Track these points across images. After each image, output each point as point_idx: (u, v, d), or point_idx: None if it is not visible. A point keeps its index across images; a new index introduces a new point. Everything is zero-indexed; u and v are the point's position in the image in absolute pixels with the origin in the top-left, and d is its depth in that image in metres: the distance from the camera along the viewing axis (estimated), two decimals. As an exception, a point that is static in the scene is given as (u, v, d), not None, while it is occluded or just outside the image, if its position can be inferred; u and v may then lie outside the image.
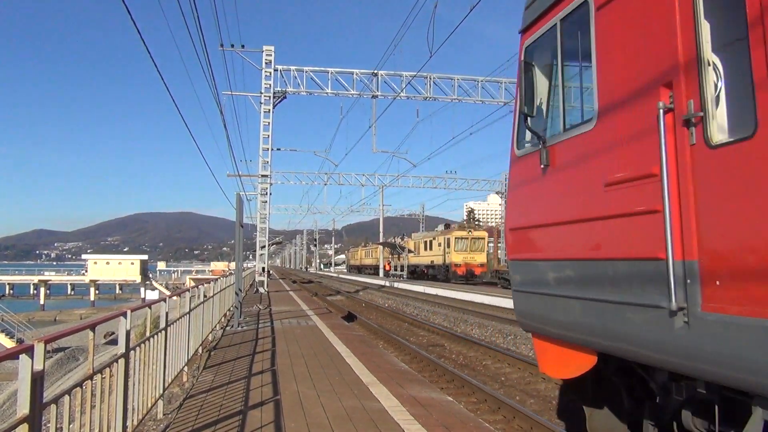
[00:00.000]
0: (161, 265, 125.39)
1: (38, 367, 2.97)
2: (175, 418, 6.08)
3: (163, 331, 6.45)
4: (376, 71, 28.84)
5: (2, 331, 34.98)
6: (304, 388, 7.28)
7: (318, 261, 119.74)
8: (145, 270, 73.99)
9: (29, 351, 2.92)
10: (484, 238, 44.07)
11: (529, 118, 4.62)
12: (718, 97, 3.06)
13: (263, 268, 31.36)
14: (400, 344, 14.11)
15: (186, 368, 8.35)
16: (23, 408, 2.88)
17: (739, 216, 2.76)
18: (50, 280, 74.00)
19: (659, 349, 3.22)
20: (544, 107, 4.77)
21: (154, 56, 8.75)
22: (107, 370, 4.40)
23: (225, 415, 6.00)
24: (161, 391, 6.35)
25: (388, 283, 43.42)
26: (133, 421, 5.09)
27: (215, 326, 12.90)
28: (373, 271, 65.79)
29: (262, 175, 29.36)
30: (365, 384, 7.58)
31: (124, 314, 4.79)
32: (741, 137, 2.76)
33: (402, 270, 48.66)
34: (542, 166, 4.41)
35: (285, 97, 29.05)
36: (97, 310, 60.50)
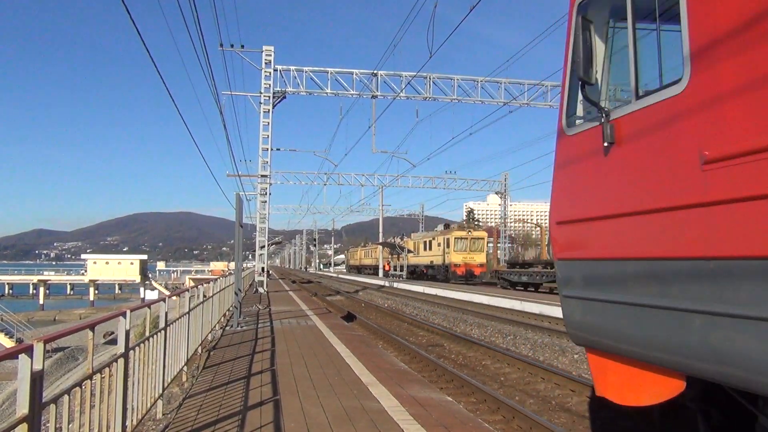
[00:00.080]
0: (161, 265, 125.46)
1: (37, 366, 2.96)
2: (175, 417, 6.08)
3: (163, 331, 6.45)
4: (375, 71, 28.85)
5: (2, 331, 34.99)
6: (304, 388, 7.28)
7: (317, 261, 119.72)
8: (145, 270, 74.02)
9: (29, 351, 2.92)
10: (483, 239, 44.08)
11: (587, 87, 3.78)
12: None
13: (263, 268, 31.35)
14: (399, 344, 14.11)
15: (185, 368, 8.35)
16: (22, 408, 2.88)
17: None
18: (50, 280, 74.02)
19: None
20: (603, 74, 3.95)
21: (153, 56, 8.76)
22: (107, 369, 4.40)
23: (224, 415, 5.99)
24: (161, 391, 6.35)
25: (387, 283, 43.41)
26: (132, 420, 5.09)
27: (215, 326, 12.90)
28: (373, 271, 65.79)
29: (262, 175, 29.36)
30: (365, 384, 7.58)
31: (124, 314, 4.79)
32: None
33: (401, 270, 48.66)
34: (605, 144, 3.62)
35: (285, 97, 29.07)
36: (97, 309, 60.47)
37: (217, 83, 22.58)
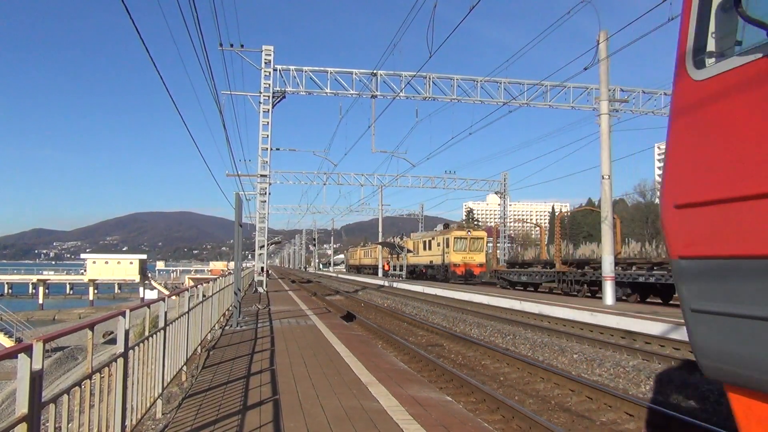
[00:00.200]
0: (160, 265, 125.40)
1: (37, 366, 2.96)
2: (174, 417, 6.08)
3: (162, 331, 6.45)
4: (375, 71, 28.84)
5: (1, 330, 34.97)
6: (303, 388, 7.28)
7: (317, 261, 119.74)
8: (144, 269, 73.97)
9: (28, 350, 2.92)
10: (483, 238, 44.08)
11: (743, 3, 2.47)
12: None
13: (262, 268, 31.35)
14: (399, 344, 14.11)
15: (185, 368, 8.35)
16: (22, 407, 2.88)
17: None
18: (49, 280, 73.98)
19: None
20: None
21: (153, 56, 8.75)
22: (106, 369, 4.40)
23: (224, 414, 6.00)
24: (160, 391, 6.35)
25: (387, 283, 43.41)
26: (132, 420, 5.09)
27: (214, 326, 12.90)
28: (372, 270, 65.79)
29: (261, 175, 29.35)
30: (364, 384, 7.59)
31: (123, 314, 4.79)
32: None
33: (401, 270, 48.67)
34: None
35: (284, 97, 29.06)
36: (96, 309, 60.48)
37: (216, 83, 22.58)
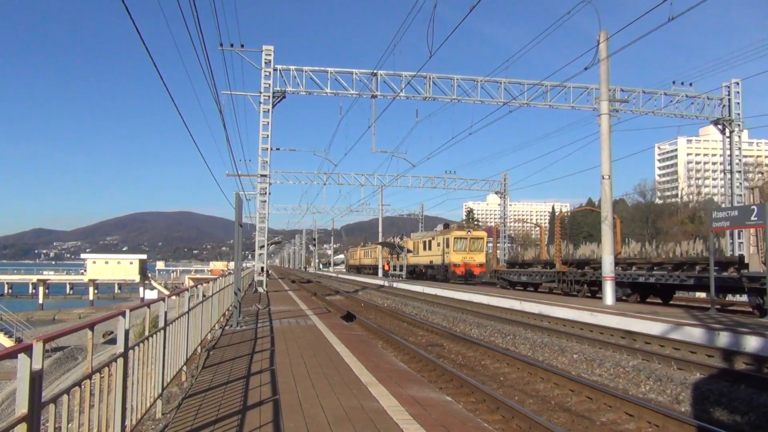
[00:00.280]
0: (160, 265, 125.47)
1: (37, 366, 2.97)
2: (174, 417, 6.08)
3: (162, 331, 6.45)
4: (375, 71, 28.84)
5: (1, 330, 34.97)
6: (303, 388, 7.28)
7: (317, 261, 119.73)
8: (144, 269, 73.99)
9: (28, 350, 2.92)
10: (483, 238, 44.06)
11: None
12: None
13: (262, 268, 31.35)
14: (399, 344, 14.11)
15: (185, 368, 8.35)
16: (22, 407, 2.88)
17: None
18: (49, 280, 74.03)
19: None
20: None
21: (153, 56, 8.75)
22: (106, 369, 4.40)
23: (224, 414, 6.00)
24: (160, 391, 6.35)
25: (387, 283, 43.41)
26: (131, 420, 5.09)
27: (214, 326, 12.90)
28: (372, 271, 65.78)
29: (261, 175, 29.35)
30: (364, 384, 7.59)
31: (123, 314, 4.79)
32: None
33: (401, 270, 48.66)
34: None
35: (284, 97, 29.05)
36: (96, 309, 60.51)
37: (216, 83, 22.57)
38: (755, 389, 9.06)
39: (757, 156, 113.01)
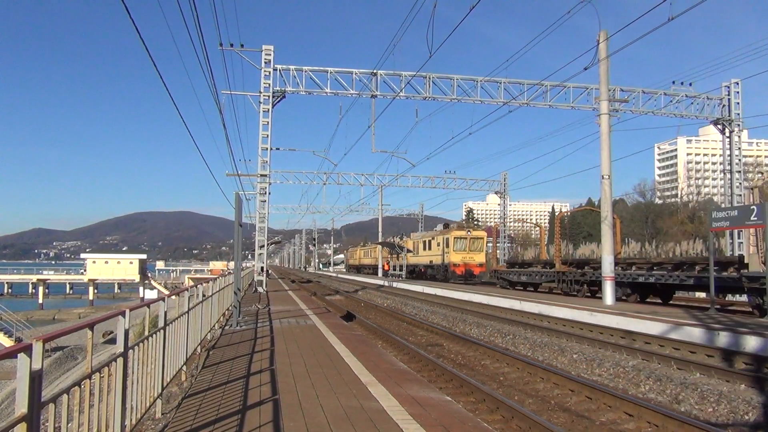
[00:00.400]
0: (160, 265, 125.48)
1: (37, 366, 2.97)
2: (174, 417, 6.08)
3: (162, 331, 6.45)
4: (375, 71, 28.82)
5: (1, 330, 34.98)
6: (303, 388, 7.28)
7: (317, 261, 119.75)
8: (144, 269, 73.95)
9: (28, 350, 2.92)
10: (483, 238, 44.06)
11: None
12: None
13: (262, 268, 31.34)
14: (398, 344, 14.11)
15: (185, 367, 8.35)
16: (21, 407, 2.88)
17: None
18: (49, 279, 74.02)
19: None
20: None
21: (153, 55, 8.75)
22: (106, 369, 4.40)
23: (223, 414, 6.00)
24: (160, 391, 6.35)
25: (386, 283, 43.42)
26: (131, 420, 5.09)
27: (214, 325, 12.90)
28: (372, 270, 65.78)
29: (261, 175, 29.33)
30: (364, 383, 7.59)
31: (123, 313, 4.79)
32: None
33: (401, 270, 48.66)
34: None
35: (284, 97, 29.03)
36: (96, 309, 60.52)
37: (216, 82, 22.56)
38: (755, 389, 9.07)
39: (757, 156, 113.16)
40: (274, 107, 28.71)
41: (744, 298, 19.57)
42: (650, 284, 20.99)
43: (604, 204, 20.59)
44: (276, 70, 28.56)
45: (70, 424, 3.64)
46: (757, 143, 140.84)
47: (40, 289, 68.02)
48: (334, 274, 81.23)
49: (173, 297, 8.30)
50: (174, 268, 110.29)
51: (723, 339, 12.32)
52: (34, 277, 73.56)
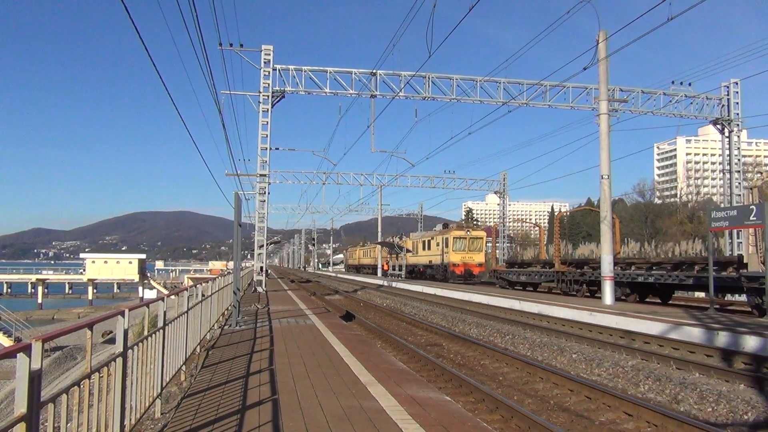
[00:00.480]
0: (159, 264, 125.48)
1: (36, 365, 2.96)
2: (173, 417, 6.07)
3: (161, 330, 6.44)
4: (374, 71, 28.82)
5: (0, 330, 34.94)
6: (302, 388, 7.28)
7: (316, 260, 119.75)
8: (144, 269, 73.90)
9: (27, 350, 2.92)
10: (482, 238, 44.09)
11: None
12: None
13: (261, 268, 31.34)
14: (398, 344, 14.11)
15: (184, 367, 8.35)
16: (20, 407, 2.88)
17: None
18: (48, 279, 73.92)
19: None
20: None
21: (152, 55, 8.75)
22: (105, 369, 4.40)
23: (223, 414, 5.99)
24: (159, 391, 6.34)
25: (386, 283, 43.43)
26: (130, 420, 5.09)
27: (213, 325, 12.89)
28: (372, 270, 65.78)
29: (261, 175, 29.32)
30: (363, 383, 7.59)
31: (122, 313, 4.79)
32: None
33: (400, 269, 48.67)
34: None
35: (283, 97, 29.03)
36: (95, 309, 60.45)
37: (216, 82, 22.55)
38: (754, 389, 9.07)
39: (756, 156, 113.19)
40: (273, 107, 28.70)
41: (743, 297, 19.58)
42: (649, 284, 21.00)
43: (603, 204, 20.60)
44: (275, 70, 28.55)
45: (69, 424, 3.64)
46: (756, 143, 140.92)
47: (40, 288, 67.93)
48: (334, 274, 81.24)
49: (172, 297, 8.29)
50: (173, 268, 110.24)
51: (722, 339, 12.33)
52: (33, 277, 73.46)
